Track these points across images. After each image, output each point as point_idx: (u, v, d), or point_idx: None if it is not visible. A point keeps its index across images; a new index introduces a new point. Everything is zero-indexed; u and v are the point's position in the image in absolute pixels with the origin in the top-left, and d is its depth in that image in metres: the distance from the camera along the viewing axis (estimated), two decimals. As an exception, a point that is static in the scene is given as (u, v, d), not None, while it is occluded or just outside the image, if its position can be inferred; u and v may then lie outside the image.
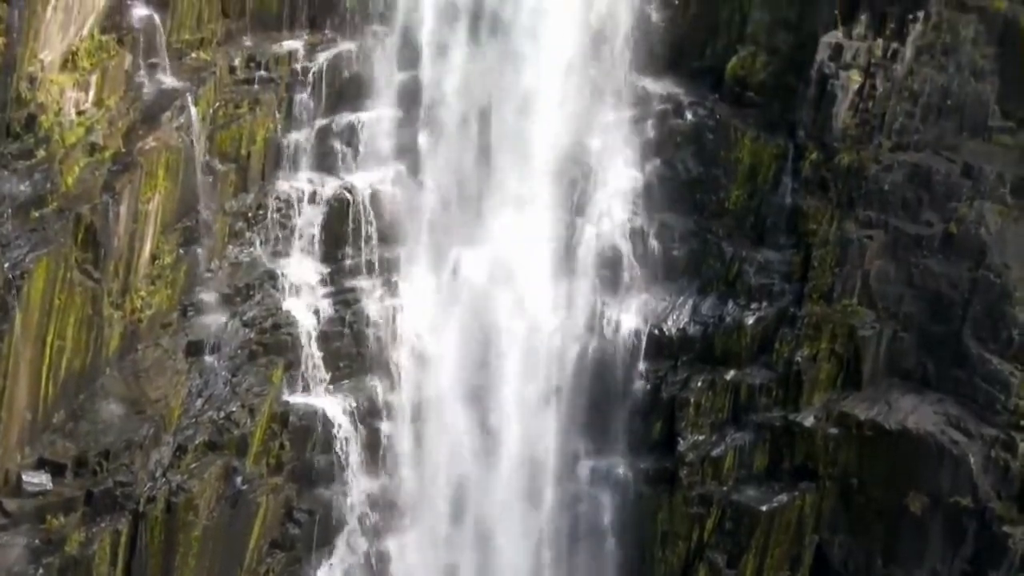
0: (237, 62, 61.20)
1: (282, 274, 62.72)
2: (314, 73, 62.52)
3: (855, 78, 63.50)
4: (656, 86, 66.93)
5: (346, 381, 64.36)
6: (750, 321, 65.39)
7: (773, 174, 65.55)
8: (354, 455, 64.36)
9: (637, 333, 66.63)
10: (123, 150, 56.76)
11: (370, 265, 64.62)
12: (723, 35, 66.90)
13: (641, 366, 66.83)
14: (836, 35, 63.97)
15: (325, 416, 63.09)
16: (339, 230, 63.80)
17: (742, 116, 66.32)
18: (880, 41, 63.57)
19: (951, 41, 62.98)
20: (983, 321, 62.21)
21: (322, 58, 62.78)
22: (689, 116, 66.72)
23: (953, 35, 62.89)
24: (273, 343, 61.88)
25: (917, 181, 63.27)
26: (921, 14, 62.85)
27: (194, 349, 60.14)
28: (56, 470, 55.19)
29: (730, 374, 65.60)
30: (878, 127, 63.64)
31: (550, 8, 64.39)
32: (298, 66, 62.31)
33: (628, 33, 65.87)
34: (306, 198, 63.10)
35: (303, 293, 63.28)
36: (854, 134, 63.85)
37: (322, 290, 63.81)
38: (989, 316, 62.05)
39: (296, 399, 62.65)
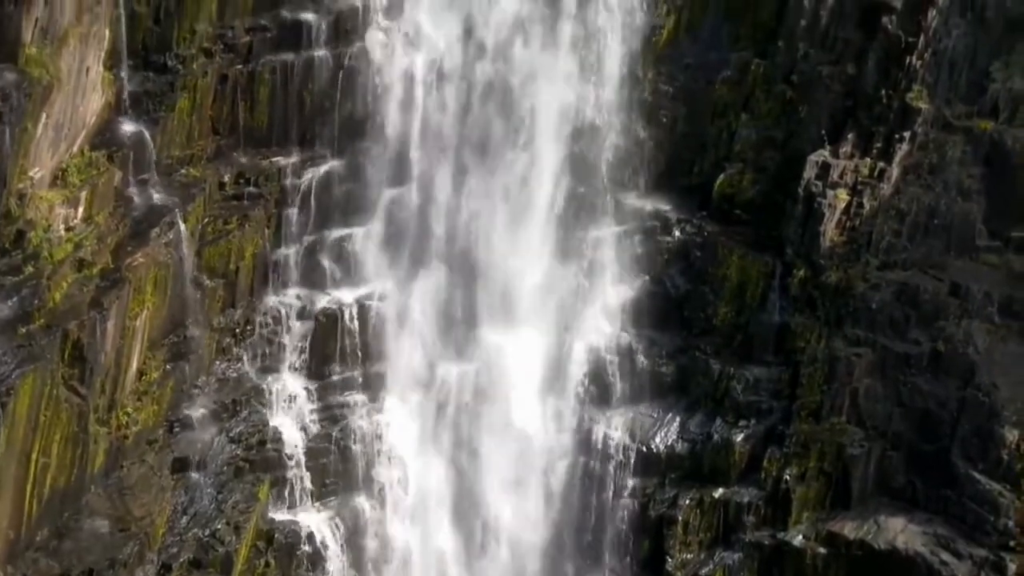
0: (227, 178, 61.51)
1: (269, 390, 62.62)
2: (304, 189, 62.80)
3: (842, 196, 63.81)
4: (644, 203, 67.24)
5: (332, 498, 64.04)
6: (738, 439, 65.16)
7: (761, 291, 65.62)
8: (340, 574, 63.83)
9: (625, 450, 66.36)
10: (112, 266, 56.81)
11: (357, 381, 64.55)
12: (711, 153, 67.25)
13: (629, 483, 66.49)
14: (823, 154, 64.34)
15: (311, 534, 62.65)
16: (327, 346, 63.82)
17: (730, 233, 66.55)
18: (867, 160, 63.96)
19: (937, 161, 63.37)
20: (972, 440, 62.02)
21: (312, 174, 63.08)
22: (677, 233, 66.96)
23: (939, 155, 63.29)
24: (259, 459, 61.62)
25: (904, 300, 63.34)
26: (908, 134, 63.27)
27: (180, 466, 59.85)
28: (39, 589, 54.86)
29: (718, 492, 65.23)
30: (865, 245, 63.84)
31: (538, 126, 64.85)
32: (288, 182, 62.59)
33: (616, 150, 66.26)
34: (294, 314, 63.16)
35: (290, 409, 63.08)
36: (841, 252, 64.05)
37: (309, 406, 63.67)
38: (978, 435, 61.88)
39: (282, 516, 62.29)
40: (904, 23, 63.21)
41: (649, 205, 67.18)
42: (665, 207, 67.26)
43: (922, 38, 62.81)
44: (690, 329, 66.86)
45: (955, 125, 63.19)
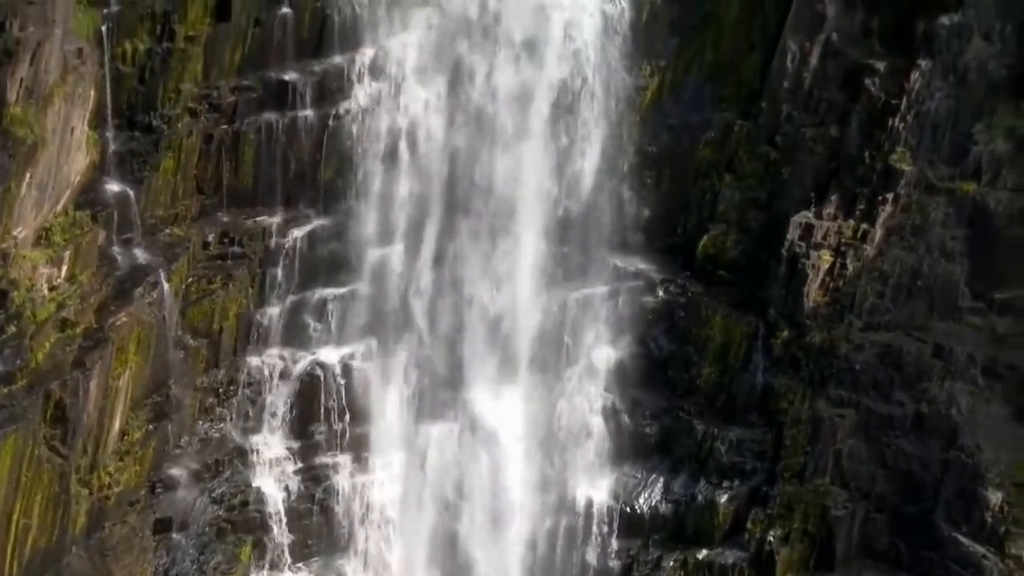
0: (211, 238, 61.44)
1: (252, 450, 62.42)
2: (288, 249, 62.74)
3: (825, 258, 63.97)
4: (628, 263, 67.28)
5: (315, 559, 63.87)
6: (722, 500, 65.07)
7: (744, 352, 65.66)
8: (323, 637, 63.78)
9: (609, 510, 66.24)
10: (95, 325, 56.70)
11: (341, 441, 64.38)
12: (695, 213, 67.40)
13: (613, 544, 66.35)
14: (807, 215, 64.51)
15: (293, 597, 62.64)
16: (310, 406, 63.70)
17: (713, 294, 66.64)
18: (850, 221, 64.13)
19: (921, 222, 63.57)
20: (955, 503, 61.98)
21: (296, 234, 63.03)
22: (661, 293, 67.02)
23: (922, 216, 63.49)
24: (242, 520, 61.40)
25: (888, 361, 63.41)
26: (891, 195, 63.47)
27: (162, 526, 59.63)
28: (18, 653, 54.48)
29: (702, 554, 65.07)
30: (849, 306, 63.97)
31: (523, 187, 64.96)
32: (272, 242, 62.55)
33: (600, 210, 66.40)
34: (277, 374, 63.05)
35: (273, 469, 62.87)
36: (825, 313, 64.15)
37: (292, 466, 63.52)
38: (961, 497, 61.84)
39: (264, 578, 62.17)
40: (887, 85, 63.52)
41: (633, 265, 67.24)
42: (649, 267, 67.34)
43: (905, 100, 63.09)
44: (674, 389, 66.85)
45: (938, 187, 63.44)
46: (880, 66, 63.63)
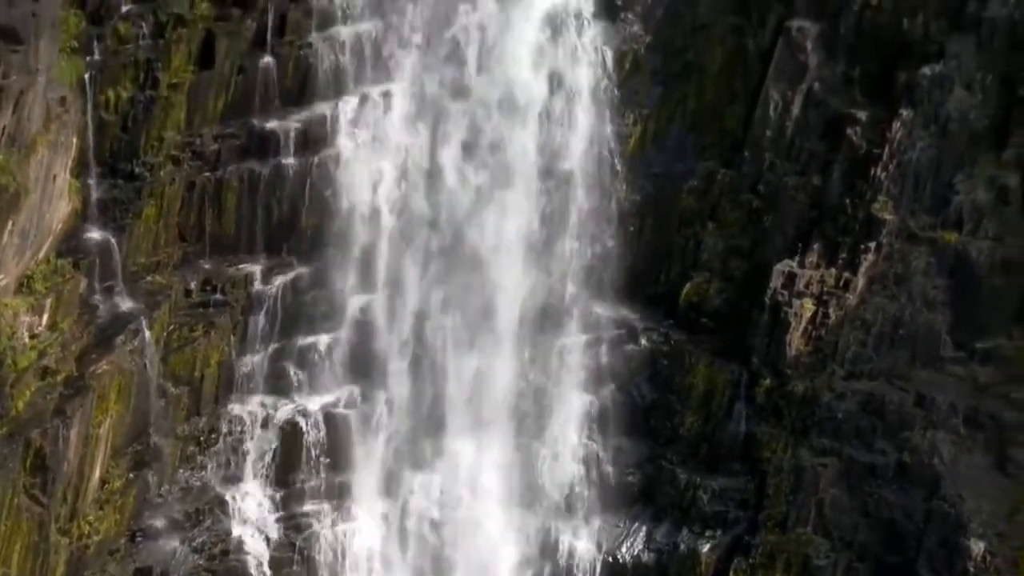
0: (193, 285, 61.51)
1: (233, 499, 62.15)
2: (270, 296, 62.71)
3: (808, 306, 63.97)
4: (611, 311, 67.23)
5: (296, 610, 63.67)
6: (705, 549, 64.83)
7: (727, 400, 65.57)
8: None
9: (591, 560, 66.01)
10: (75, 373, 56.65)
11: (322, 490, 64.16)
12: (677, 262, 67.44)
13: (596, 593, 66.35)
14: (789, 263, 64.52)
15: (274, 648, 62.29)
16: (292, 454, 63.53)
17: (696, 342, 66.58)
18: (832, 270, 64.13)
19: (903, 271, 63.55)
20: (938, 552, 61.75)
21: (279, 281, 63.06)
22: (643, 342, 66.95)
23: (904, 266, 63.50)
24: (223, 570, 61.16)
25: (870, 410, 63.28)
26: (873, 244, 63.51)
27: (142, 576, 59.41)
28: None
29: (685, 603, 65.09)
30: (831, 355, 63.91)
31: (506, 234, 65.05)
32: (254, 289, 62.60)
33: (583, 258, 66.45)
34: (259, 422, 62.93)
35: (254, 518, 62.59)
36: (807, 362, 64.10)
37: (273, 515, 63.33)
38: (944, 547, 61.61)
39: (244, 628, 61.84)
40: (869, 134, 63.68)
41: (616, 313, 67.17)
42: (632, 315, 67.28)
43: (887, 149, 63.21)
44: (657, 438, 66.70)
45: (920, 236, 63.45)
46: (862, 116, 63.80)
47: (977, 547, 61.02)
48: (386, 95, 63.92)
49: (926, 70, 62.68)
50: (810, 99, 64.75)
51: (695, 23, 65.66)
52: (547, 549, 66.33)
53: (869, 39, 63.85)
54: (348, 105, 63.28)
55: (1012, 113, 62.13)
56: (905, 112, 62.97)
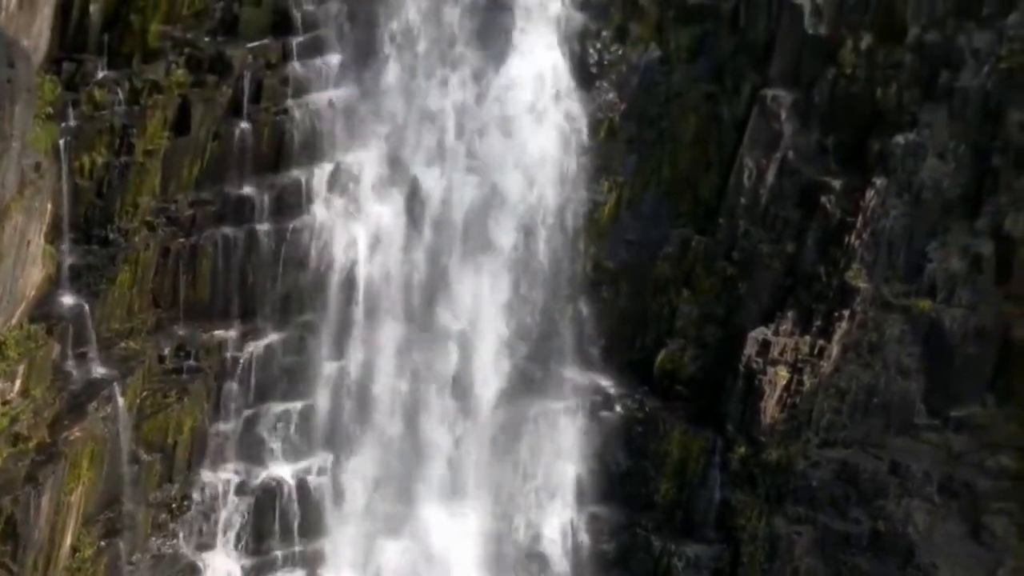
0: (167, 351, 61.13)
1: (205, 567, 61.68)
2: (244, 363, 62.45)
3: (782, 374, 64.02)
4: (586, 378, 67.19)
5: (270, 678, 63.16)
6: (680, 617, 64.82)
7: (702, 468, 65.45)
8: None
9: (567, 628, 65.96)
10: (48, 440, 56.17)
11: (296, 558, 63.74)
12: (652, 328, 67.46)
13: (572, 662, 66.01)
14: (764, 331, 64.60)
15: None
16: (264, 522, 63.09)
17: (671, 409, 66.54)
18: (807, 338, 64.22)
19: (877, 339, 63.72)
20: (913, 621, 61.91)
21: (252, 348, 62.78)
22: (618, 408, 66.86)
23: (878, 334, 63.67)
24: (195, 638, 60.72)
25: (845, 478, 63.30)
26: (847, 312, 63.66)
27: (113, 645, 58.83)
28: None
29: (660, 672, 64.76)
30: (806, 423, 63.94)
31: (481, 302, 65.12)
32: (228, 355, 62.27)
33: (558, 326, 66.45)
34: (232, 489, 62.49)
35: (226, 587, 62.38)
36: (782, 429, 64.09)
37: (245, 584, 62.99)
38: (919, 616, 61.78)
39: None
40: (843, 203, 64.00)
41: (591, 380, 67.15)
42: (607, 382, 67.24)
43: (860, 218, 63.52)
44: (631, 505, 66.49)
45: (894, 304, 63.70)
46: (836, 184, 64.14)
47: (952, 616, 61.11)
48: (361, 162, 63.98)
49: (899, 139, 63.12)
50: (784, 167, 65.08)
51: (669, 92, 66.01)
52: (522, 618, 66.18)
53: (843, 108, 64.34)
54: (323, 172, 63.31)
55: (984, 182, 62.70)
56: (879, 180, 63.33)
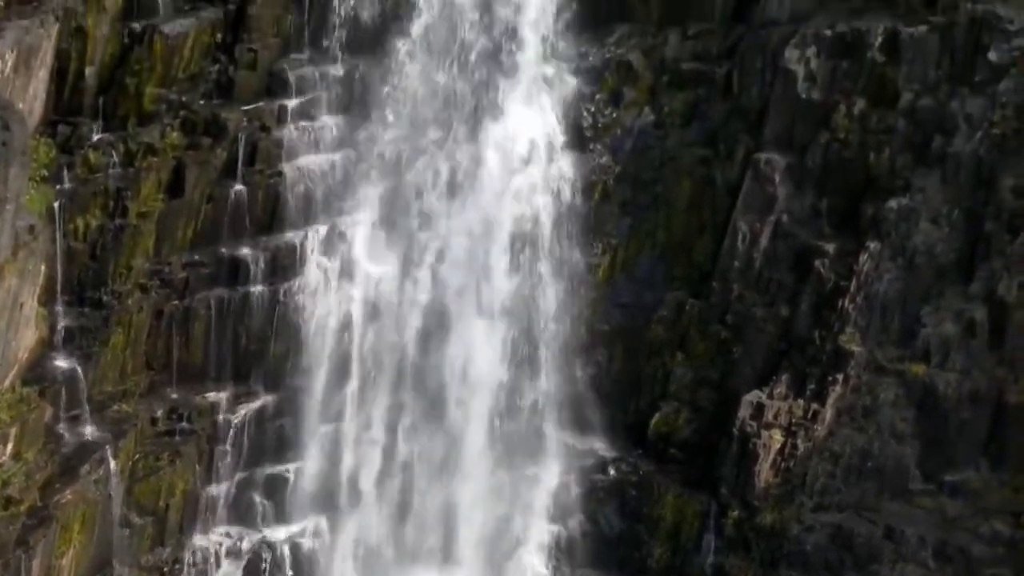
0: (159, 414, 61.09)
1: (196, 631, 61.64)
2: (236, 425, 62.39)
3: (776, 437, 63.88)
4: (579, 441, 67.02)
5: None
6: None
7: (696, 532, 65.16)
8: None
9: None
10: (39, 503, 56.08)
11: (287, 622, 63.74)
12: (646, 392, 67.34)
13: None
14: (758, 394, 64.46)
15: None
16: (257, 586, 63.06)
17: (665, 472, 66.23)
18: (801, 401, 64.08)
19: (871, 403, 63.60)
20: None
21: (245, 410, 62.76)
22: (612, 472, 66.61)
23: (872, 398, 63.57)
24: None
25: (839, 542, 63.01)
26: (840, 376, 63.57)
27: None
28: None
29: None
30: (800, 487, 63.74)
31: (474, 364, 65.11)
32: (220, 418, 62.20)
33: (551, 388, 66.39)
34: (224, 552, 62.30)
35: (216, 651, 62.10)
36: (776, 493, 63.89)
37: (236, 648, 62.68)
38: None
39: None
40: (836, 267, 64.02)
41: (584, 443, 66.97)
42: (601, 445, 67.05)
43: (854, 282, 63.52)
44: (625, 570, 66.08)
45: (888, 368, 63.60)
46: (829, 248, 64.17)
47: None
48: (355, 224, 64.13)
49: (893, 203, 63.21)
50: (778, 231, 65.13)
51: (663, 156, 66.21)
52: None
53: (836, 172, 64.48)
54: (317, 234, 63.45)
55: (977, 247, 62.67)
56: (872, 245, 63.39)
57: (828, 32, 64.17)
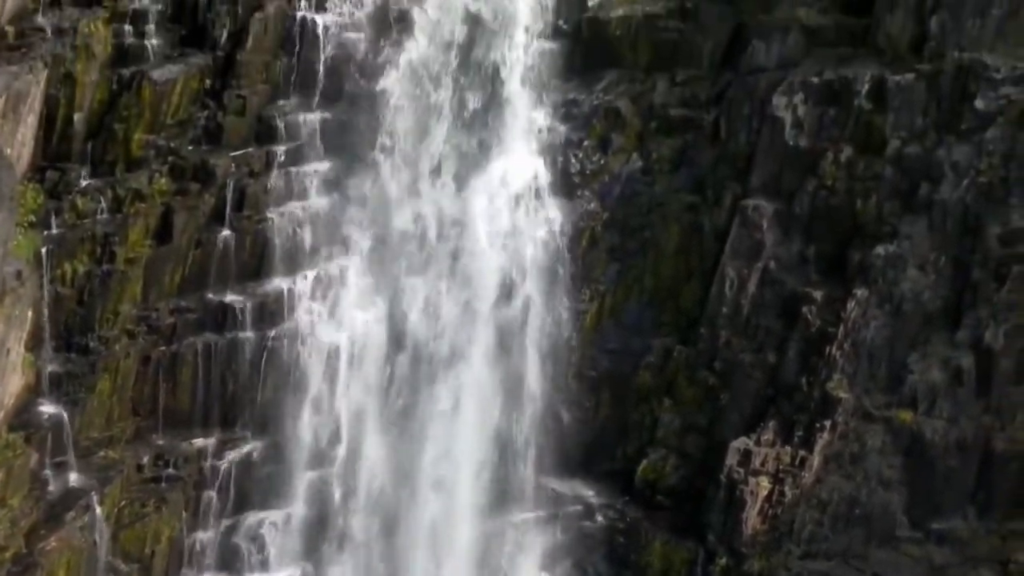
0: (146, 460, 60.85)
1: (180, 676, 61.35)
2: (223, 471, 62.21)
3: (764, 484, 63.78)
4: (567, 488, 66.88)
5: None
6: None
7: (684, 578, 65.29)
8: None
9: None
10: (24, 550, 55.89)
11: (272, 669, 63.46)
12: (634, 438, 67.21)
13: None
14: (745, 441, 64.38)
15: None
16: (242, 632, 62.80)
17: (653, 519, 66.05)
18: (788, 448, 63.98)
19: (858, 451, 63.52)
20: None
21: (232, 456, 62.54)
22: (600, 518, 66.43)
23: (860, 444, 63.50)
24: None
25: (827, 590, 63.23)
26: (828, 423, 63.50)
27: None
28: None
29: None
30: (787, 534, 63.58)
31: (462, 408, 65.13)
32: (207, 464, 62.00)
33: (539, 434, 66.29)
34: (210, 600, 62.25)
35: None
36: (764, 540, 63.74)
37: None
38: None
39: None
40: (824, 313, 64.04)
41: (572, 490, 66.82)
42: (588, 492, 66.85)
43: (842, 328, 63.54)
44: (613, 617, 66.29)
45: (875, 415, 63.55)
46: (817, 294, 64.20)
47: None
48: (344, 269, 64.18)
49: (880, 250, 63.28)
50: (766, 277, 65.19)
51: (651, 202, 66.29)
52: None
53: (824, 219, 64.58)
54: (306, 279, 63.47)
55: (964, 294, 62.71)
56: (860, 291, 63.44)
57: (815, 79, 64.40)
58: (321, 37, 63.28)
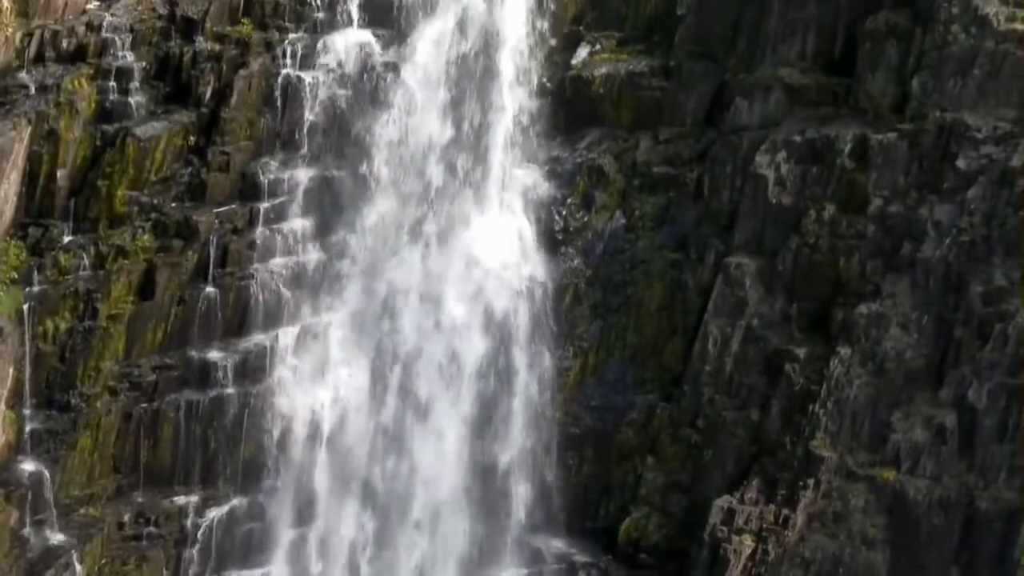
0: (126, 518, 60.72)
1: None
2: (204, 529, 61.99)
3: (747, 543, 63.55)
4: (549, 545, 66.58)
5: None
6: None
7: (670, 643, 65.03)
8: None
9: None
10: (3, 601, 55.72)
11: None
12: (617, 496, 66.98)
13: None
14: (729, 499, 64.21)
15: None
16: None
17: (635, 577, 66.21)
18: (772, 507, 63.75)
19: (841, 509, 63.38)
20: None
21: (213, 514, 62.36)
22: (582, 576, 66.55)
23: (843, 503, 63.38)
24: None
25: (814, 647, 62.97)
26: (811, 481, 63.32)
27: None
28: None
29: None
30: (771, 594, 63.67)
31: (444, 468, 64.89)
32: (188, 522, 61.82)
33: (521, 491, 66.11)
34: (188, 655, 61.86)
35: None
36: (748, 596, 63.79)
37: None
38: None
39: None
40: (807, 371, 63.99)
41: (554, 547, 66.53)
42: (571, 550, 66.52)
43: (824, 386, 63.47)
44: (601, 654, 65.96)
45: (858, 474, 63.39)
46: (800, 352, 64.16)
47: None
48: (327, 325, 64.14)
49: (863, 308, 63.29)
50: (749, 335, 65.18)
51: (634, 259, 66.35)
52: None
53: (806, 277, 64.60)
54: (287, 335, 63.42)
55: (947, 353, 62.73)
56: (843, 350, 63.42)
57: (798, 138, 64.61)
58: (306, 94, 63.43)
